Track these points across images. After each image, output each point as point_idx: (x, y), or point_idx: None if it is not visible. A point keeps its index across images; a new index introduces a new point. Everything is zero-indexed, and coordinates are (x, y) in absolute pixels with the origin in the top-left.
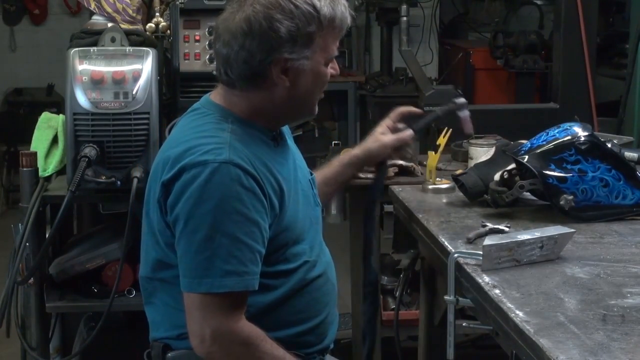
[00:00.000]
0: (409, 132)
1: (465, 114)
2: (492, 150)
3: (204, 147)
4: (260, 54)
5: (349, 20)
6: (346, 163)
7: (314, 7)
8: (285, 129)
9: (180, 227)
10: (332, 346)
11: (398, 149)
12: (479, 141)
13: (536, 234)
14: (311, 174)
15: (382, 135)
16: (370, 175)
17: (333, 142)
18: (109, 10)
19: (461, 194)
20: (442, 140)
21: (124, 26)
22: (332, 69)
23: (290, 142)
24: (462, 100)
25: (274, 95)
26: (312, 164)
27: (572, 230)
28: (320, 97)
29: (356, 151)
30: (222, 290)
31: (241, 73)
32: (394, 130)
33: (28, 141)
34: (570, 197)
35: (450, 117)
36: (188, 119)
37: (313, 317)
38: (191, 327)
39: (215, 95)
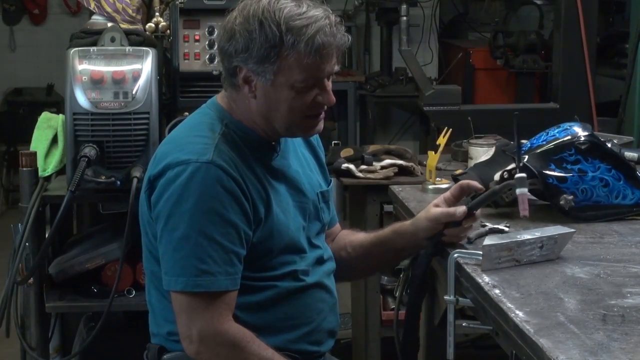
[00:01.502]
0: (461, 209)
1: (523, 191)
2: (491, 150)
3: (190, 147)
4: (227, 57)
5: (328, 47)
6: (395, 230)
7: (278, 29)
8: (297, 140)
9: (162, 224)
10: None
11: (449, 225)
12: (479, 141)
13: (536, 233)
14: (328, 185)
15: (435, 207)
16: (370, 176)
17: (333, 142)
18: (109, 10)
19: None
20: (442, 140)
21: (124, 26)
22: (318, 96)
23: (304, 150)
24: (521, 175)
25: (249, 101)
26: None
27: (572, 230)
28: (318, 127)
29: (407, 222)
30: (197, 289)
31: (222, 71)
32: (451, 203)
33: (28, 141)
34: (570, 197)
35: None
36: (190, 117)
37: (305, 324)
38: (180, 328)
39: (220, 97)
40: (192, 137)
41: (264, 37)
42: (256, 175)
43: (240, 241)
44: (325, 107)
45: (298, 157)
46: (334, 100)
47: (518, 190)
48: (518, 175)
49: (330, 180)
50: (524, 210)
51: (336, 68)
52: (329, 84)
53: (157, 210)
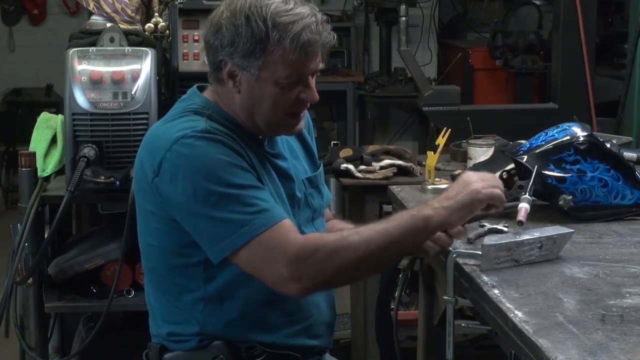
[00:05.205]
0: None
1: (526, 206)
2: (491, 151)
3: (180, 125)
4: (212, 50)
5: (314, 44)
6: None
7: (265, 24)
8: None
9: (191, 203)
10: (330, 345)
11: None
12: (478, 141)
13: (535, 234)
14: (317, 170)
15: None
16: (369, 176)
17: (332, 142)
18: (108, 10)
19: None
20: (441, 141)
21: (123, 26)
22: (302, 94)
23: (289, 138)
24: (527, 197)
25: (233, 96)
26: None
27: (571, 230)
28: (299, 126)
29: None
30: (262, 229)
31: (208, 64)
32: None
33: (27, 141)
34: (569, 197)
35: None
36: (172, 108)
37: (304, 319)
38: (268, 281)
39: (205, 90)
40: (179, 117)
41: (250, 32)
42: (248, 156)
43: (262, 184)
44: (307, 105)
45: (284, 145)
46: (317, 98)
47: (521, 204)
48: (525, 196)
49: (320, 164)
50: (521, 216)
51: (321, 66)
52: (312, 82)
53: (178, 194)
